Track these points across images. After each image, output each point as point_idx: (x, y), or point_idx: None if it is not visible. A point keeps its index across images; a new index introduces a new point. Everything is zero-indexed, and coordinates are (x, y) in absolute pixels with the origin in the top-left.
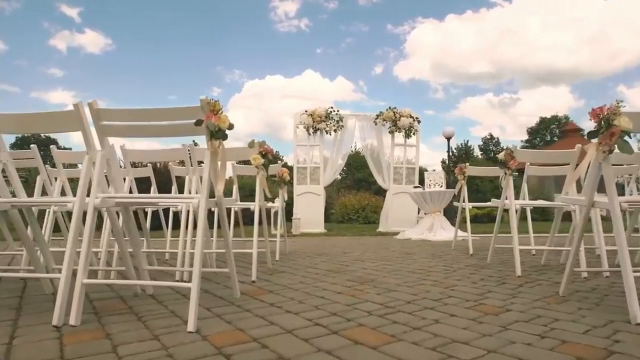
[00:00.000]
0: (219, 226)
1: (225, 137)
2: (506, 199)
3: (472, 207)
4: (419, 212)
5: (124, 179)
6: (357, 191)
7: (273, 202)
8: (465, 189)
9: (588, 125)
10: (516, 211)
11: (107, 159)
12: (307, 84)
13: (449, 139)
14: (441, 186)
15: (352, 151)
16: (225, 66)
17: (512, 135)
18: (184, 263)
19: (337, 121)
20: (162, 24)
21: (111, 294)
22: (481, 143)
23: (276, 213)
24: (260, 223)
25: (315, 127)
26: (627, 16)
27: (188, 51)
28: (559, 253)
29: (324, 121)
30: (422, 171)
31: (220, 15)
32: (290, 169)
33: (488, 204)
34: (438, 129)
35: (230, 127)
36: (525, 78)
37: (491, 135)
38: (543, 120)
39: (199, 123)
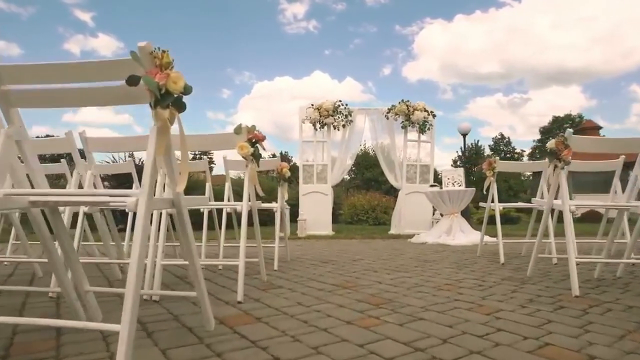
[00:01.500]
0: (210, 227)
1: (181, 105)
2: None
3: (503, 208)
4: (433, 214)
5: (87, 173)
6: (366, 191)
7: (276, 202)
8: (494, 186)
9: (603, 124)
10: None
11: (15, 139)
12: (316, 85)
13: (464, 135)
14: (460, 185)
15: (360, 151)
16: (235, 68)
17: (523, 136)
18: (152, 279)
19: (346, 116)
20: (172, 27)
21: None
22: (492, 143)
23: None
24: (251, 226)
25: (322, 122)
26: (639, 14)
27: (198, 53)
28: (611, 264)
29: (332, 115)
30: (435, 171)
31: (230, 17)
32: (298, 168)
33: (523, 204)
34: (447, 130)
35: (187, 90)
36: (535, 78)
37: (502, 135)
38: (556, 120)
39: (132, 80)
